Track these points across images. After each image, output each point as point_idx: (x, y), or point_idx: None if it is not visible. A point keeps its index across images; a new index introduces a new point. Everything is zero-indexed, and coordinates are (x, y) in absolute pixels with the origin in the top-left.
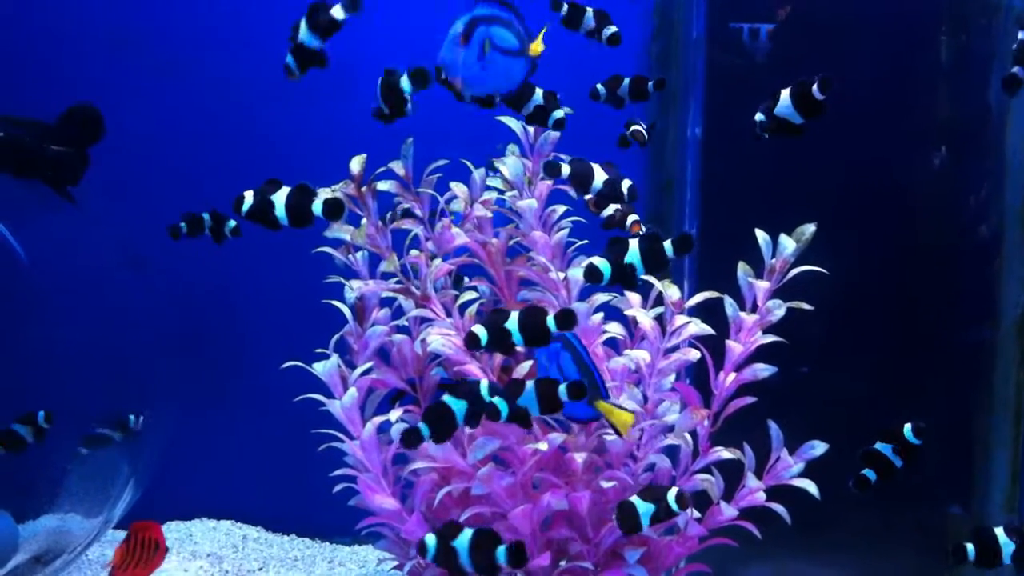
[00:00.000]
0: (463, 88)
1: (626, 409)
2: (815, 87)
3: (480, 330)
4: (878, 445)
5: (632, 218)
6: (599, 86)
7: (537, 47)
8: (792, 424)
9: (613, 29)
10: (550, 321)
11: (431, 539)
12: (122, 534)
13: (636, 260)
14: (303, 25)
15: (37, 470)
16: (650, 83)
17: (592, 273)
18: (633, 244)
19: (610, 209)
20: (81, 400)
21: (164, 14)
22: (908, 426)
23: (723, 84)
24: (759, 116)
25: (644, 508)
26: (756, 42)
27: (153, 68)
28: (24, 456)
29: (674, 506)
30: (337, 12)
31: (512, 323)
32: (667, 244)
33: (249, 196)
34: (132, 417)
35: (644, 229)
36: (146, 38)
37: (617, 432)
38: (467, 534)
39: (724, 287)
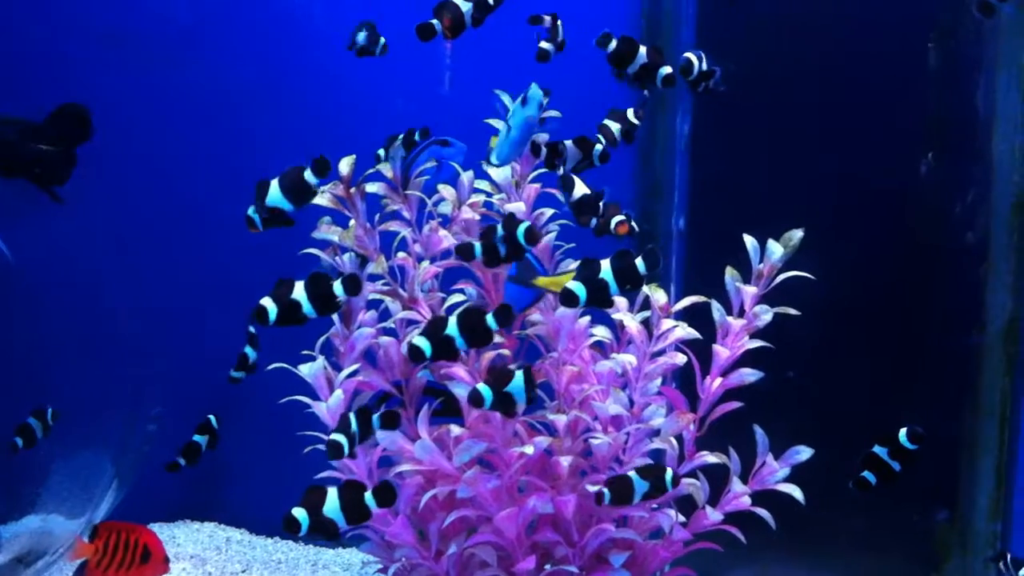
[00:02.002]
0: (506, 146)
1: (567, 272)
2: (713, 81)
3: (423, 342)
4: (876, 448)
5: (618, 219)
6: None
7: None
8: (778, 429)
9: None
10: (489, 320)
11: (301, 514)
12: None
13: (609, 278)
14: (275, 188)
15: (20, 470)
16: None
17: (568, 298)
18: (605, 264)
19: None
20: (67, 400)
21: (156, 12)
22: (904, 431)
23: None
24: (693, 58)
25: (640, 485)
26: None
27: (145, 66)
28: (6, 456)
29: (668, 485)
30: (310, 177)
31: (452, 328)
32: (638, 260)
33: (270, 305)
34: None
35: (632, 229)
36: (138, 36)
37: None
38: (333, 493)
39: (711, 291)
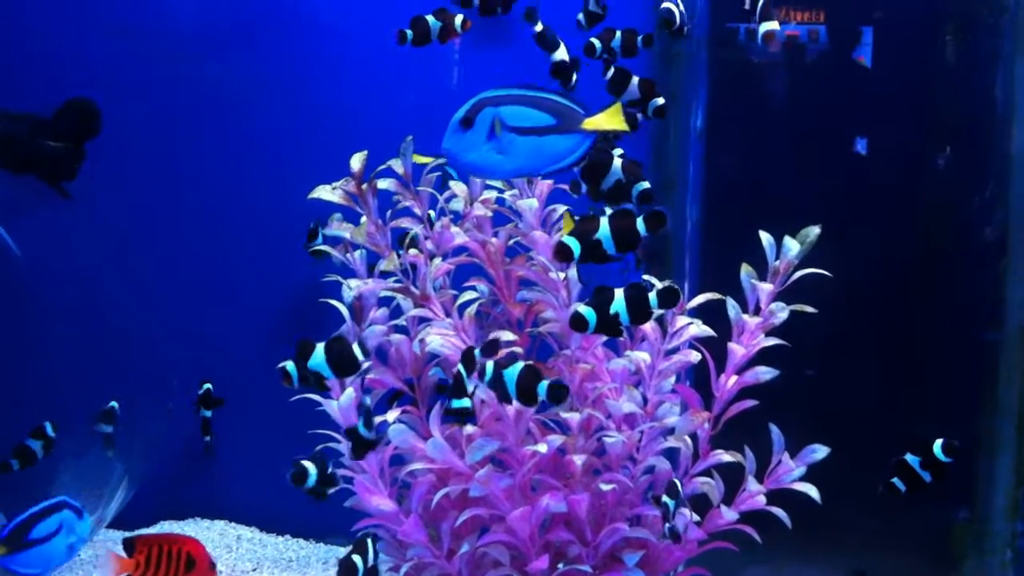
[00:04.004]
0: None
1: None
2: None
3: (465, 405)
4: (908, 456)
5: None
6: (594, 40)
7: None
8: (793, 427)
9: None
10: (478, 354)
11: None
12: (115, 534)
13: (622, 308)
14: (320, 354)
15: (30, 468)
16: (640, 38)
17: (577, 321)
18: (619, 293)
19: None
20: (73, 397)
21: (165, 7)
22: (939, 442)
23: (726, 82)
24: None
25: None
26: (753, 42)
27: (152, 60)
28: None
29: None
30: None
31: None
32: (652, 295)
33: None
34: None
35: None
36: (145, 30)
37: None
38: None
39: (726, 288)
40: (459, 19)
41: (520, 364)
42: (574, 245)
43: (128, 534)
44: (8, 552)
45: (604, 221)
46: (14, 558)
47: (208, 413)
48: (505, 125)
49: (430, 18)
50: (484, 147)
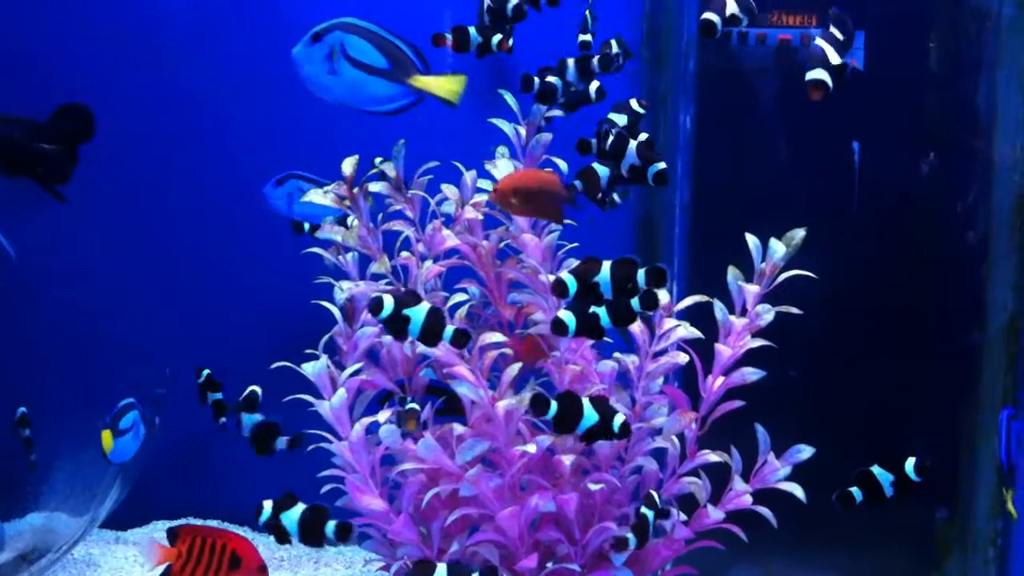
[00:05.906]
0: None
1: (451, 74)
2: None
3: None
4: (875, 469)
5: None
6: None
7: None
8: (779, 427)
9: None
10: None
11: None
12: (108, 533)
13: (602, 312)
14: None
15: (23, 467)
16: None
17: (558, 327)
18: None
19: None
20: (67, 397)
21: (158, 11)
22: (911, 461)
23: (714, 87)
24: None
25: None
26: (743, 47)
27: (145, 64)
28: (10, 453)
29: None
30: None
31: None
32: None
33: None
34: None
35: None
36: (138, 33)
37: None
38: (299, 508)
39: (713, 291)
40: (496, 38)
41: (426, 305)
42: (571, 283)
43: (120, 533)
44: (113, 439)
45: (606, 266)
46: (115, 448)
47: (219, 395)
48: (344, 52)
49: (472, 30)
50: (320, 65)
